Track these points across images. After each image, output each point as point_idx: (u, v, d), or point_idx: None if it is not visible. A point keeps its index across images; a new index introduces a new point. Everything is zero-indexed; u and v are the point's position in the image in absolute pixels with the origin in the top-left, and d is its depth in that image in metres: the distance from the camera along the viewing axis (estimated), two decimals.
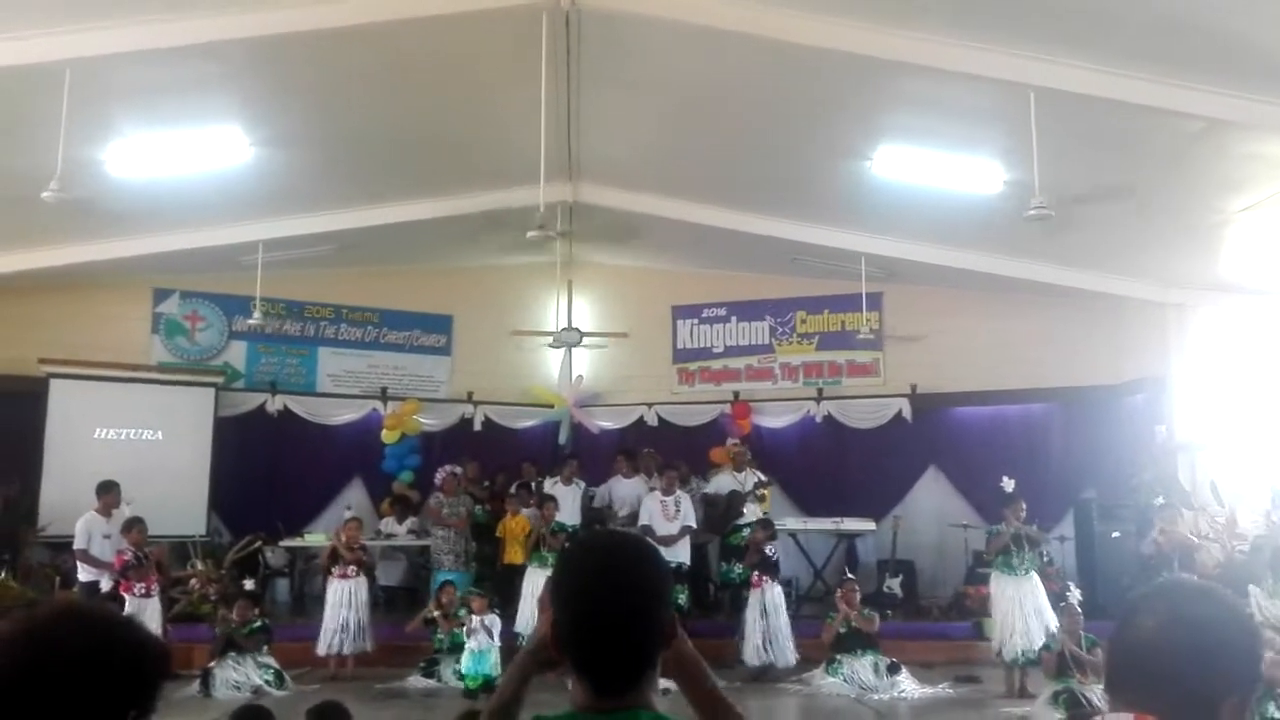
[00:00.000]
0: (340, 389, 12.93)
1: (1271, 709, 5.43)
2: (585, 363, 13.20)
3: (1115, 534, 10.52)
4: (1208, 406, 11.04)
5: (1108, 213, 9.04)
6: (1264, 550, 8.01)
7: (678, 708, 1.75)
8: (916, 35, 6.80)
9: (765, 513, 10.97)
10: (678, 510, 10.33)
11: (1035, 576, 8.64)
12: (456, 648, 8.68)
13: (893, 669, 8.62)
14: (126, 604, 8.16)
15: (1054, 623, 8.19)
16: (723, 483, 11.29)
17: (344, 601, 9.10)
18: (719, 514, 10.93)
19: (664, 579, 1.60)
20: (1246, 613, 1.65)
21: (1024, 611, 8.40)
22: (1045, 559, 9.64)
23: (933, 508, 12.30)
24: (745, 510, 10.83)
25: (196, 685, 8.29)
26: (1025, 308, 11.88)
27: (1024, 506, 8.71)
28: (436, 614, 9.02)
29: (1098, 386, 11.71)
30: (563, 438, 12.81)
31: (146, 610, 8.32)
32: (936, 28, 6.73)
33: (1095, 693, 6.98)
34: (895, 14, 6.73)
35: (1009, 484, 8.78)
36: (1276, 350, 10.85)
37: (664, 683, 1.64)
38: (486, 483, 11.90)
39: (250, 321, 11.64)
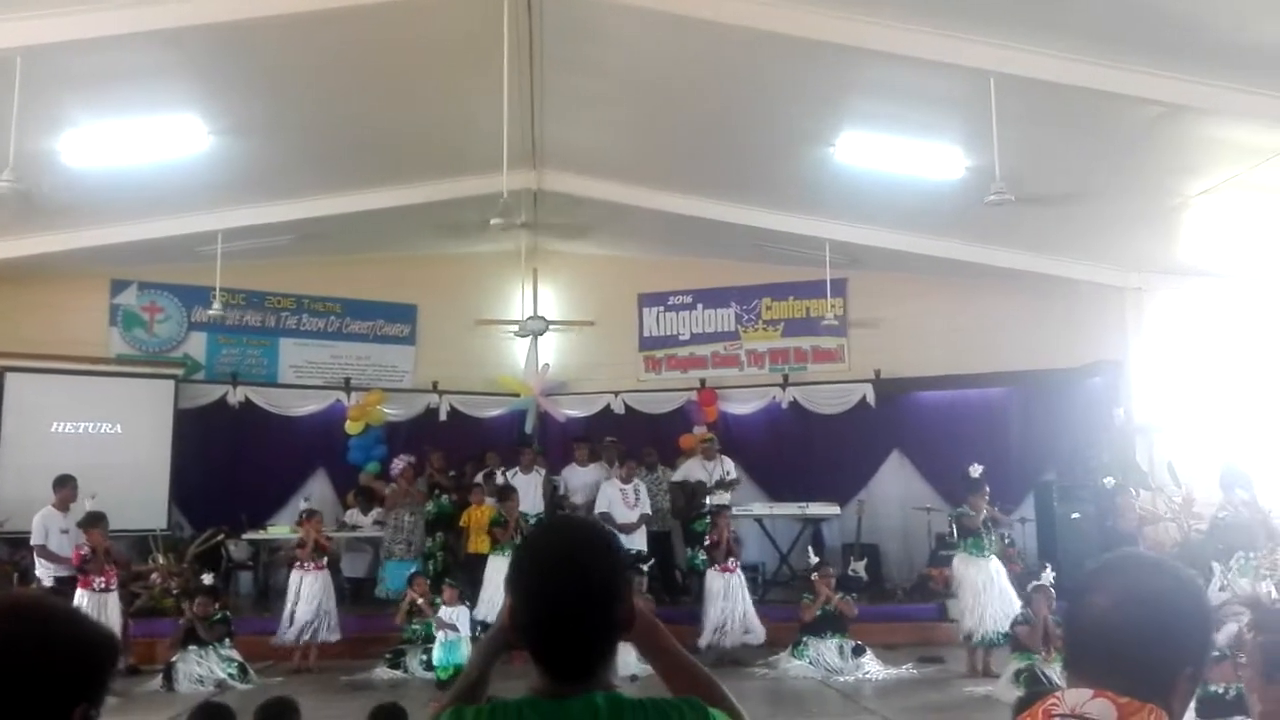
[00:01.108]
0: (303, 380, 12.79)
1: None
2: (551, 351, 13.17)
3: (1075, 515, 10.68)
4: (1165, 389, 11.23)
5: (1067, 197, 9.15)
6: (1228, 529, 8.12)
7: (651, 693, 1.74)
8: (879, 21, 6.83)
9: (729, 498, 11.05)
10: (637, 498, 10.41)
11: (996, 559, 8.78)
12: (427, 638, 8.64)
13: (857, 651, 8.74)
14: (85, 599, 8.04)
15: (1017, 604, 8.33)
16: (691, 470, 11.33)
17: (310, 594, 9.05)
18: (682, 502, 10.97)
19: (620, 565, 1.61)
20: (1197, 584, 1.68)
21: (989, 593, 8.53)
22: (1007, 541, 9.80)
23: (896, 491, 12.42)
24: (707, 500, 10.90)
25: (159, 680, 8.21)
26: (986, 292, 12.00)
27: (988, 492, 8.84)
28: (420, 601, 8.91)
29: (1057, 370, 11.86)
30: (529, 427, 12.78)
31: (107, 605, 8.22)
32: (899, 14, 6.76)
33: (1055, 671, 7.10)
34: (858, 0, 6.75)
35: (976, 470, 8.90)
36: (1232, 333, 11.05)
37: (634, 668, 1.64)
38: (452, 473, 11.85)
39: (210, 312, 11.50)
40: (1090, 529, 10.40)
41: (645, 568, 10.04)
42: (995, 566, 8.73)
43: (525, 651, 1.55)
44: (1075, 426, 11.65)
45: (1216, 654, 5.38)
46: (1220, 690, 5.51)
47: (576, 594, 1.52)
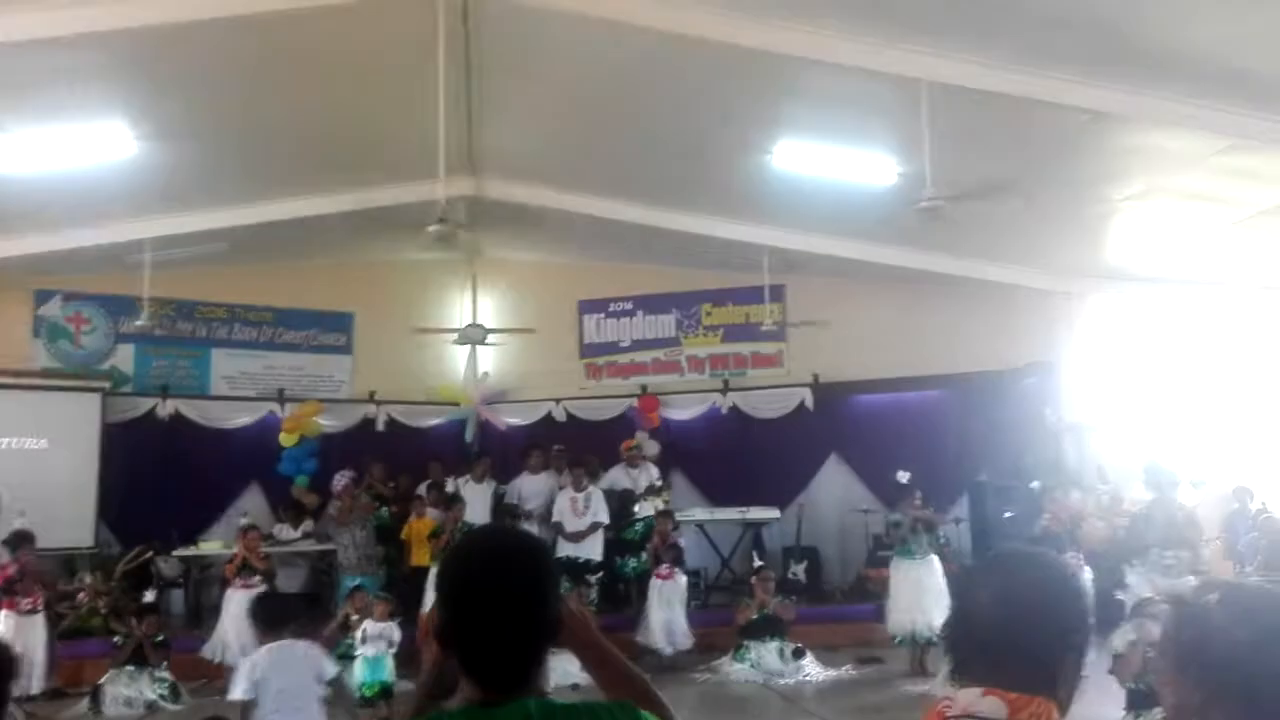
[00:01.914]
0: (235, 391, 12.53)
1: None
2: (491, 359, 13.08)
3: (1008, 514, 10.89)
4: (1095, 390, 11.52)
5: (998, 203, 9.33)
6: (1149, 523, 8.34)
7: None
8: (813, 30, 6.90)
9: (666, 503, 11.06)
10: (587, 506, 10.39)
11: (934, 559, 8.92)
12: (349, 656, 8.47)
13: (798, 653, 8.82)
14: (8, 621, 7.79)
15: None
16: (617, 479, 11.32)
17: (239, 611, 8.83)
18: (613, 510, 10.97)
19: (548, 573, 1.61)
20: (1069, 572, 1.71)
21: (924, 593, 8.65)
22: (942, 541, 9.95)
23: (835, 494, 12.55)
24: (637, 507, 10.91)
25: (86, 702, 7.97)
26: (921, 297, 12.19)
27: (919, 497, 8.98)
28: (355, 616, 8.76)
29: (991, 372, 12.08)
30: (469, 436, 12.67)
31: (34, 627, 7.98)
32: (833, 23, 6.83)
33: None
34: (792, 9, 6.82)
35: (904, 477, 9.04)
36: (1160, 335, 11.40)
37: (576, 676, 1.64)
38: (392, 484, 11.71)
39: (138, 323, 11.21)
40: (1023, 528, 10.61)
41: (593, 579, 10.01)
42: (931, 567, 8.86)
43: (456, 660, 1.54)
44: (1009, 427, 11.88)
45: (1120, 653, 5.53)
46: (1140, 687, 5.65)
47: (504, 601, 1.51)
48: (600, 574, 10.44)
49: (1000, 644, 1.57)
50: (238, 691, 4.83)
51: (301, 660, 5.01)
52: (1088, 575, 7.40)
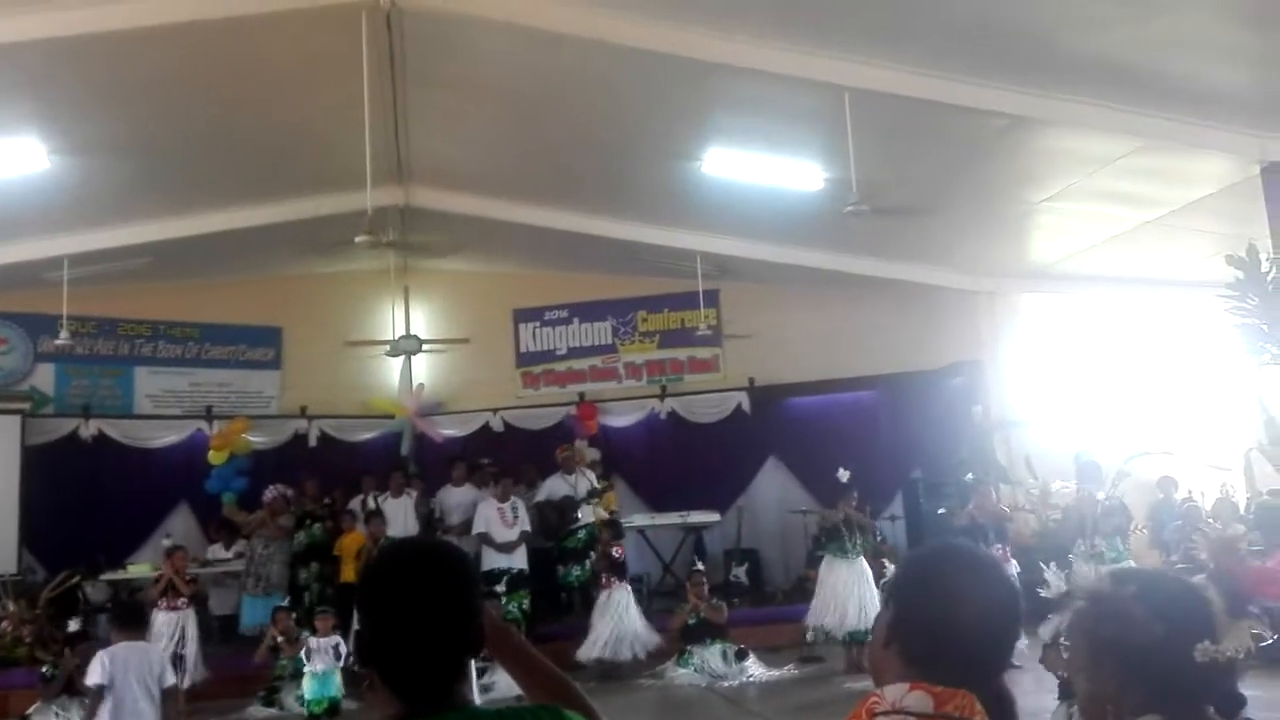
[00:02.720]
0: (161, 410, 12.24)
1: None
2: (425, 371, 12.95)
3: (941, 510, 11.07)
4: (1020, 386, 11.80)
5: (922, 206, 9.53)
6: (1075, 517, 8.54)
7: None
8: (739, 39, 6.99)
9: (612, 513, 11.03)
10: (515, 516, 10.33)
11: (863, 560, 9.04)
12: (296, 673, 8.36)
13: (740, 655, 8.88)
14: None
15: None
16: (555, 488, 11.25)
17: (172, 634, 8.62)
18: (554, 519, 10.92)
19: (471, 584, 1.60)
20: (1000, 567, 1.74)
21: (855, 592, 8.77)
22: (879, 538, 10.10)
23: (774, 496, 12.67)
24: (579, 514, 10.87)
25: None
26: (851, 300, 12.36)
27: (856, 495, 9.11)
28: (280, 639, 8.68)
29: (920, 371, 12.30)
30: (405, 449, 12.52)
31: None
32: (758, 32, 6.93)
33: None
34: (719, 17, 6.89)
35: (844, 475, 9.16)
36: (1081, 332, 11.72)
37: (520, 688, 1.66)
38: (327, 500, 11.51)
39: (58, 342, 10.83)
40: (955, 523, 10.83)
41: (500, 588, 9.81)
42: (861, 567, 8.98)
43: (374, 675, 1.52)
44: (939, 425, 12.10)
45: (1048, 643, 5.66)
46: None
47: (425, 613, 1.50)
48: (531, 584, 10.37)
49: (927, 639, 1.60)
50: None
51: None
52: (1014, 568, 7.57)
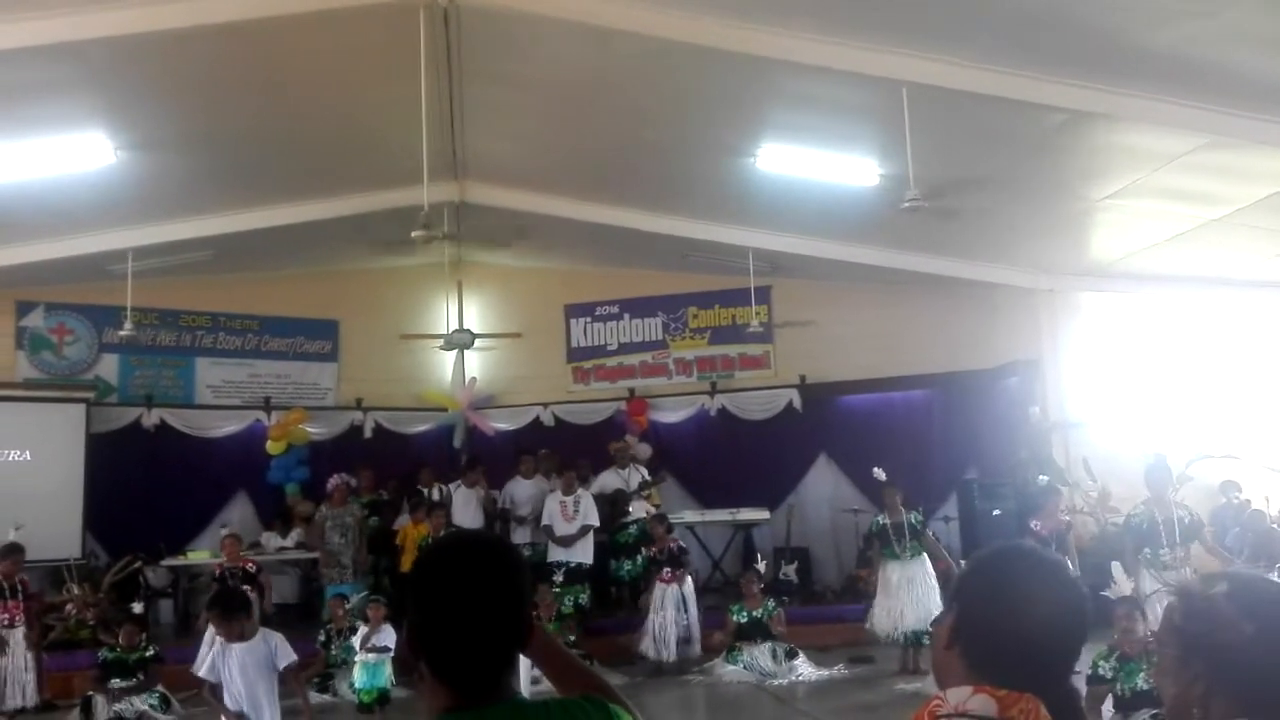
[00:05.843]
0: (220, 400, 12.48)
1: (1140, 680, 5.69)
2: (478, 365, 13.06)
3: (996, 512, 10.91)
4: (1079, 387, 11.58)
5: (980, 203, 9.39)
6: (1145, 522, 8.30)
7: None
8: (794, 34, 6.93)
9: (657, 507, 11.05)
10: (577, 510, 10.40)
11: (925, 558, 8.92)
12: (347, 661, 8.48)
13: (790, 654, 8.85)
14: None
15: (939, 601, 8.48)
16: (607, 481, 11.32)
17: None
18: (606, 513, 10.97)
19: (520, 577, 1.60)
20: (1074, 581, 1.70)
21: (905, 594, 8.67)
22: (932, 534, 9.94)
23: (824, 494, 12.59)
24: (631, 508, 10.91)
25: (76, 714, 7.93)
26: (905, 297, 12.23)
27: (898, 492, 8.99)
28: (330, 627, 8.83)
29: (976, 371, 12.13)
30: (457, 441, 12.65)
31: (14, 639, 7.93)
32: (813, 26, 6.86)
33: None
34: (774, 13, 6.84)
35: (880, 474, 9.07)
36: (1142, 331, 11.46)
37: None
38: (381, 490, 11.68)
39: (122, 333, 11.13)
40: (1011, 525, 10.65)
41: (555, 578, 9.85)
42: (921, 566, 8.87)
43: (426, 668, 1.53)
44: (994, 425, 11.93)
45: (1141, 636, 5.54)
46: (1138, 685, 5.67)
47: (477, 605, 1.51)
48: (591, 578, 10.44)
49: (996, 644, 1.57)
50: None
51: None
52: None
